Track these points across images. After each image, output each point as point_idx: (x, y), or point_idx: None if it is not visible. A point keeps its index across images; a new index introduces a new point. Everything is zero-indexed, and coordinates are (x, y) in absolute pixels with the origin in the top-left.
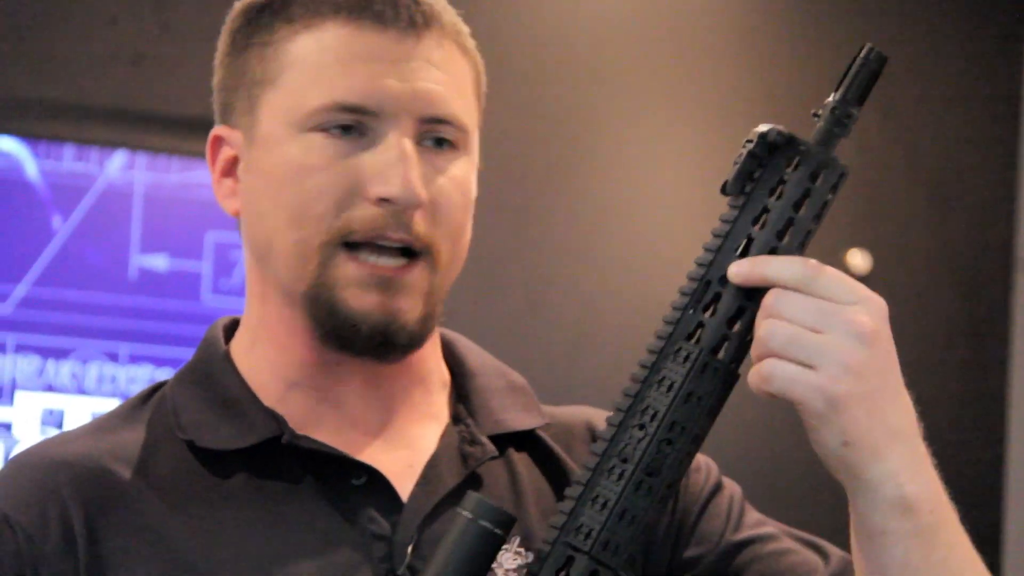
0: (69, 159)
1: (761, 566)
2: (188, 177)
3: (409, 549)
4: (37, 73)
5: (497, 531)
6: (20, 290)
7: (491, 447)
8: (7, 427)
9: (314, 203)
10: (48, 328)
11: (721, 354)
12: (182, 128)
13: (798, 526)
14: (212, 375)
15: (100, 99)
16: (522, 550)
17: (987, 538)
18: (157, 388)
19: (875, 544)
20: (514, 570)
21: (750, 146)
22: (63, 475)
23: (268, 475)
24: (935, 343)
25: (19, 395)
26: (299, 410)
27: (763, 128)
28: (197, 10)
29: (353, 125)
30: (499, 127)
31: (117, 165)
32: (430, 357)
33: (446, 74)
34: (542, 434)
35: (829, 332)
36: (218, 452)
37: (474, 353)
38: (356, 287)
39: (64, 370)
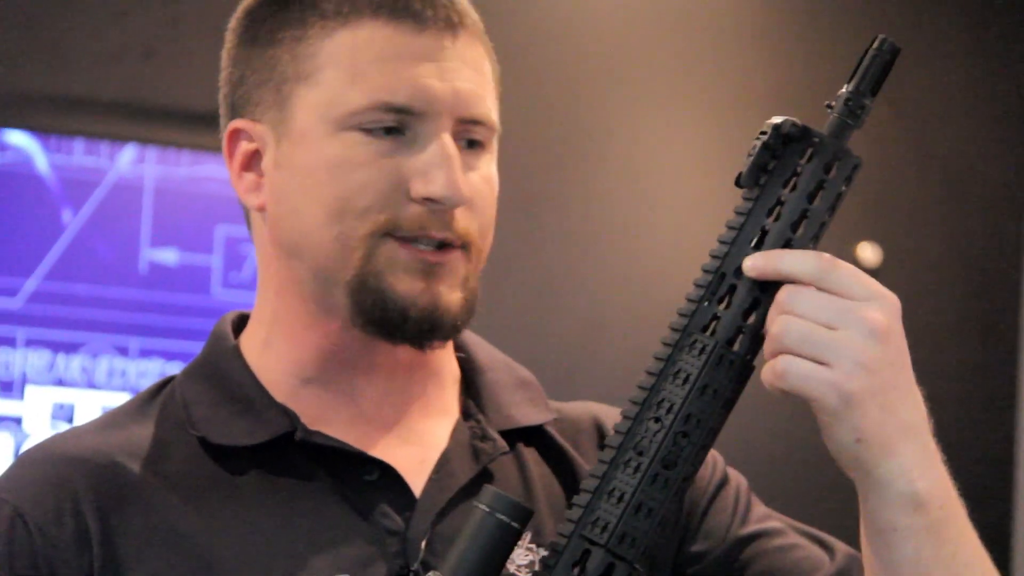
0: (79, 153)
1: (767, 561)
2: (198, 171)
3: (422, 544)
4: (47, 67)
5: (514, 524)
6: (30, 284)
7: (502, 443)
8: (18, 421)
9: (357, 198)
10: (58, 322)
11: (736, 346)
12: (192, 122)
13: (804, 520)
14: (222, 371)
15: (110, 93)
16: (533, 546)
17: (995, 535)
18: (165, 383)
19: (886, 540)
20: (525, 566)
21: (764, 138)
22: (75, 471)
23: (280, 471)
24: (945, 336)
25: (29, 389)
26: (311, 406)
27: (777, 120)
28: (207, 4)
29: (395, 125)
30: (512, 121)
31: (127, 159)
32: (443, 351)
33: (478, 74)
34: (550, 429)
35: (843, 329)
36: (230, 448)
37: (483, 348)
38: (403, 271)
39: (74, 364)
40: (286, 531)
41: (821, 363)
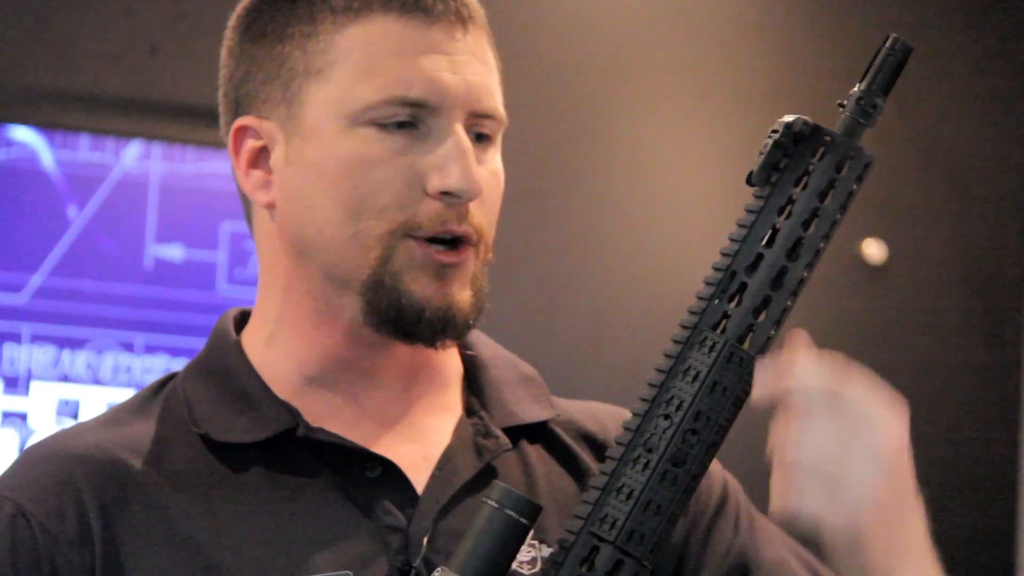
0: (85, 149)
1: None
2: (204, 167)
3: (425, 541)
4: (53, 63)
5: (523, 520)
6: (35, 280)
7: (505, 440)
8: (23, 417)
9: (374, 197)
10: (63, 318)
11: (747, 344)
12: (198, 118)
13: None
14: (224, 367)
15: (116, 89)
16: (535, 542)
17: (1000, 535)
18: (168, 380)
19: None
20: (528, 562)
21: (776, 136)
22: (78, 468)
23: (283, 468)
24: (949, 334)
25: (34, 385)
26: (314, 403)
27: (789, 118)
28: (212, 0)
29: (409, 120)
30: (518, 119)
31: (133, 155)
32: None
33: (487, 67)
34: (553, 426)
35: (853, 463)
36: (233, 445)
37: (486, 344)
38: (419, 271)
39: (79, 360)
40: (288, 528)
41: (832, 500)
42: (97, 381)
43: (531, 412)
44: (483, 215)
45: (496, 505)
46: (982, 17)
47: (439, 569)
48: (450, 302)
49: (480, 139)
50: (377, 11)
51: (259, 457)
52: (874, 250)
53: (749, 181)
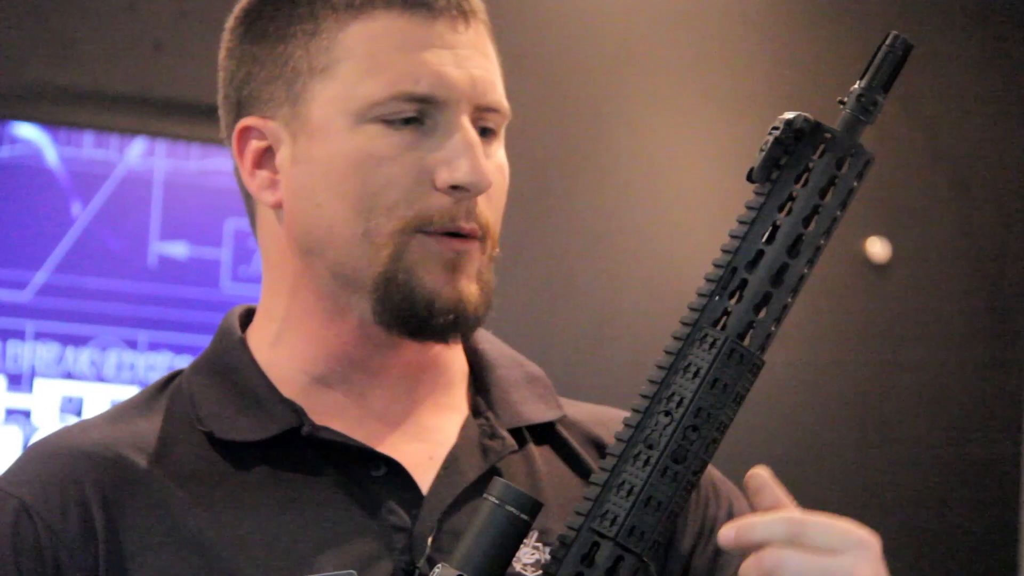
0: (89, 146)
1: None
2: (208, 164)
3: (429, 541)
4: (56, 60)
5: (523, 516)
6: (39, 277)
7: (511, 441)
8: (26, 414)
9: (383, 194)
10: (67, 315)
11: (747, 341)
12: (202, 115)
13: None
14: (230, 365)
15: (119, 86)
16: (539, 544)
17: (1003, 535)
18: (173, 377)
19: None
20: (531, 564)
21: (776, 133)
22: (82, 464)
23: (288, 466)
24: (954, 332)
25: (38, 382)
26: (319, 402)
27: (789, 115)
28: None
29: (415, 115)
30: (520, 118)
31: (137, 152)
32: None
33: (489, 60)
34: (560, 428)
35: None
36: (237, 443)
37: (492, 343)
38: (434, 263)
39: (83, 357)
40: (292, 527)
41: None
42: (101, 378)
43: (538, 412)
44: (490, 210)
45: (496, 501)
46: (985, 15)
47: (439, 565)
48: (460, 294)
49: (485, 133)
50: (379, 7)
51: (264, 455)
52: (878, 249)
53: (750, 178)
